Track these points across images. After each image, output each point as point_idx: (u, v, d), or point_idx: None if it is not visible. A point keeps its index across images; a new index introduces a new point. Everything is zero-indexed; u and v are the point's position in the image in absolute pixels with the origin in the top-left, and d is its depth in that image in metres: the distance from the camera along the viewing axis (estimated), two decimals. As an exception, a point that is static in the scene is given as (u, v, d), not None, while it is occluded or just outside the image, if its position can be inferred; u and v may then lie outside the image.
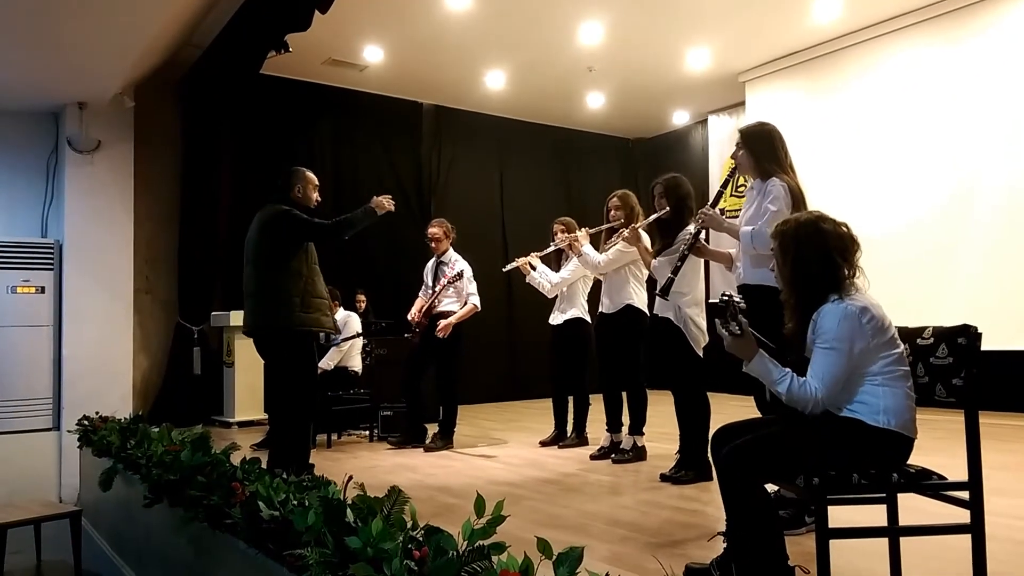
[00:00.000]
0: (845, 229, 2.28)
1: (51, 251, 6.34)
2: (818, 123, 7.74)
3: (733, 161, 3.54)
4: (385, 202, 4.22)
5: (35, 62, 5.48)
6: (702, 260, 4.16)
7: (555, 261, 5.62)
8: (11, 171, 6.57)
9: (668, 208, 4.16)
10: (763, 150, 3.32)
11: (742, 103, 8.62)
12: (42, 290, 6.27)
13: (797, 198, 3.19)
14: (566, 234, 5.42)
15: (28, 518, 4.26)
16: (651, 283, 4.58)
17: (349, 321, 6.30)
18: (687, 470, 4.12)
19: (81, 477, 5.89)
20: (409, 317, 5.76)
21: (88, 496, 5.51)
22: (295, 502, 2.52)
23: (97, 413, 5.42)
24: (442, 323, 5.56)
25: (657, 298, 4.19)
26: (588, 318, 5.50)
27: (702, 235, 3.84)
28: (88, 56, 5.41)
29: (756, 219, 3.23)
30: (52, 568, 4.44)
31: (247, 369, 6.62)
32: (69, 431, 5.63)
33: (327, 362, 6.11)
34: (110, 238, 6.51)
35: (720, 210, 3.63)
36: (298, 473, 3.05)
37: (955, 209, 6.67)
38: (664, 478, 4.15)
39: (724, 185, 3.68)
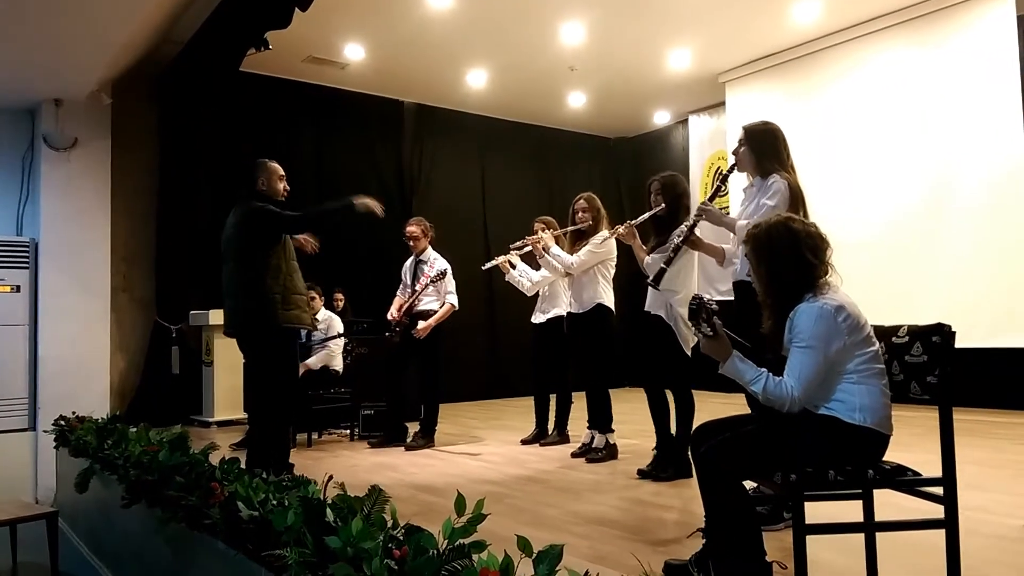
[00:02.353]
0: (814, 228, 2.32)
1: (27, 249, 6.26)
2: (797, 124, 7.80)
3: (732, 157, 3.54)
4: (371, 203, 4.14)
5: (10, 58, 5.40)
6: (696, 260, 4.18)
7: (535, 259, 5.63)
8: (-15, 168, 6.48)
9: (663, 205, 4.17)
10: (766, 148, 3.34)
11: (722, 103, 8.67)
12: (17, 289, 6.19)
13: (797, 197, 3.21)
14: (546, 232, 5.43)
15: (4, 519, 4.20)
16: (632, 280, 4.60)
17: (331, 322, 6.28)
18: (667, 467, 4.14)
19: (58, 478, 5.82)
20: (389, 316, 5.75)
21: (65, 497, 5.45)
22: (274, 502, 2.51)
23: (74, 413, 5.35)
24: (421, 325, 5.55)
25: (648, 295, 4.20)
26: None
27: (697, 229, 3.87)
28: (64, 52, 5.34)
29: (755, 215, 3.24)
30: (28, 570, 4.38)
31: (226, 368, 6.57)
32: (45, 431, 5.57)
33: (315, 362, 6.08)
34: (87, 236, 6.44)
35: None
36: (278, 473, 3.04)
37: (931, 210, 6.75)
38: (642, 474, 4.18)
39: (723, 180, 3.67)
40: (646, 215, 4.25)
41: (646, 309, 4.26)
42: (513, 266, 5.58)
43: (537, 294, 5.65)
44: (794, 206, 3.14)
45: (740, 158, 3.45)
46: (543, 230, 5.45)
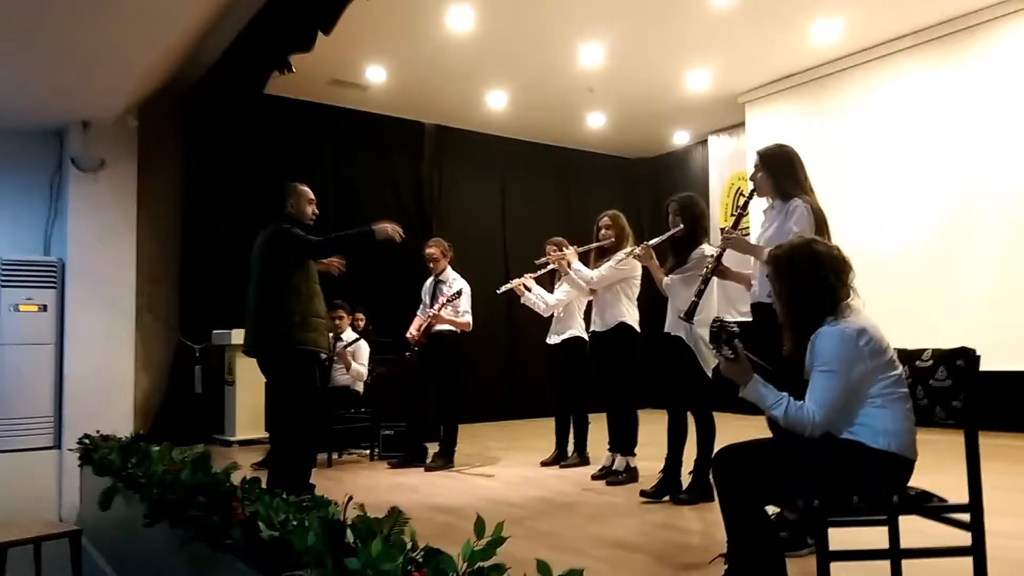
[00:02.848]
0: (837, 251, 2.31)
1: (54, 269, 6.36)
2: (818, 144, 7.77)
3: (751, 183, 3.53)
4: (390, 229, 4.20)
5: (39, 82, 5.52)
6: (715, 281, 4.17)
7: (549, 282, 5.64)
8: (15, 189, 6.60)
9: (681, 226, 4.17)
10: (782, 171, 3.33)
11: (742, 124, 8.67)
12: (44, 308, 6.28)
13: (820, 219, 3.19)
14: (558, 253, 5.45)
15: (28, 537, 4.24)
16: (654, 300, 4.58)
17: (360, 345, 6.32)
18: (670, 491, 4.12)
19: (82, 496, 5.87)
20: (408, 336, 5.77)
21: (88, 515, 5.49)
22: (295, 522, 2.52)
23: (98, 431, 5.42)
24: (439, 314, 5.54)
25: (668, 316, 4.20)
26: (586, 336, 5.51)
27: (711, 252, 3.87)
28: (92, 76, 5.45)
29: (778, 238, 3.22)
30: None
31: (248, 388, 6.62)
32: (70, 449, 5.63)
33: (359, 370, 6.16)
34: (112, 256, 6.53)
35: (722, 229, 3.62)
36: (297, 493, 3.05)
37: (954, 230, 6.68)
38: (644, 495, 4.15)
39: (743, 207, 3.65)
40: (664, 236, 4.26)
41: (666, 330, 4.25)
42: (528, 289, 5.58)
43: (552, 315, 5.65)
44: (818, 229, 3.12)
45: (758, 183, 3.43)
46: (555, 250, 5.47)
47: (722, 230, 3.60)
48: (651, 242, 4.42)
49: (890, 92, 7.26)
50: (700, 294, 3.68)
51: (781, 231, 3.21)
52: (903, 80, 7.17)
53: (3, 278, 6.15)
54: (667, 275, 4.26)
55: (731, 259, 3.65)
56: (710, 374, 4.12)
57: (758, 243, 3.37)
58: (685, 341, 4.10)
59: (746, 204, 3.64)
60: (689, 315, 3.77)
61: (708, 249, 4.16)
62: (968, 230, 6.60)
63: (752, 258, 3.41)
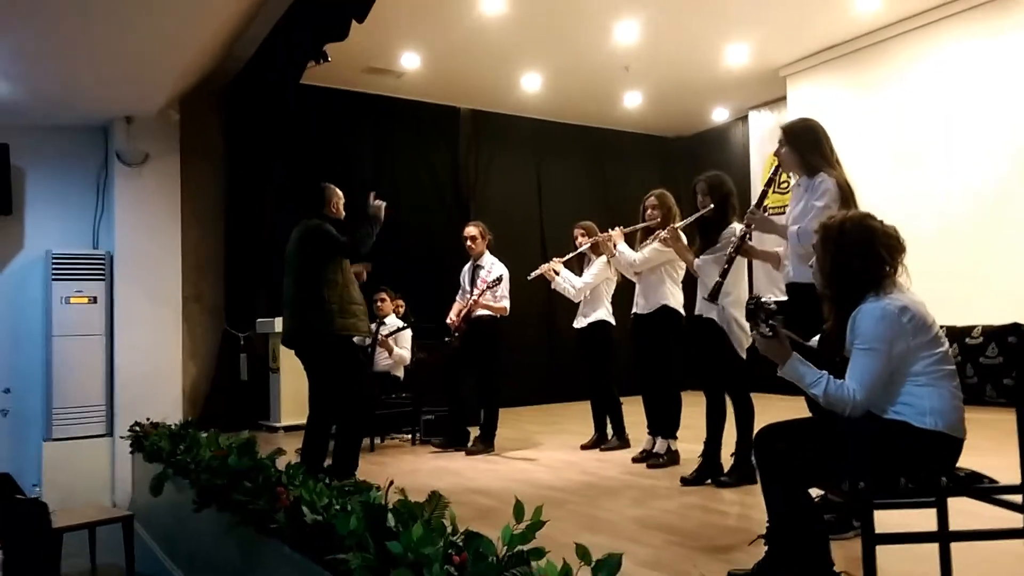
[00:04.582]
0: (893, 231, 2.24)
1: (102, 262, 6.53)
2: (861, 116, 7.58)
3: (776, 158, 3.47)
4: (379, 206, 4.39)
5: (85, 79, 5.64)
6: (746, 260, 4.10)
7: (577, 265, 5.62)
8: (64, 185, 6.77)
9: (711, 206, 4.11)
10: (808, 146, 3.25)
11: (783, 98, 8.47)
12: (94, 300, 6.46)
13: (846, 193, 3.11)
14: (586, 238, 5.42)
15: (82, 522, 4.39)
16: (691, 283, 4.54)
17: (404, 332, 6.38)
18: (710, 475, 4.08)
19: (134, 482, 6.05)
20: (448, 321, 5.80)
21: (140, 500, 5.65)
22: (337, 507, 2.56)
23: (148, 419, 5.57)
24: (483, 297, 5.57)
25: (699, 298, 4.16)
26: (612, 320, 5.49)
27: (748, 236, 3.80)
28: (135, 72, 5.56)
29: (803, 216, 3.16)
30: (106, 572, 4.56)
31: (292, 375, 6.71)
32: (122, 437, 5.80)
33: (403, 355, 6.26)
34: (159, 248, 6.68)
35: (764, 208, 3.56)
36: (340, 478, 3.11)
37: (1005, 201, 6.45)
38: (684, 482, 4.12)
39: (767, 184, 3.60)
40: (693, 216, 4.21)
41: (697, 312, 4.20)
42: (557, 273, 5.57)
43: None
44: (845, 204, 3.04)
45: (783, 159, 3.36)
46: (583, 235, 5.45)
47: (747, 210, 3.54)
48: (677, 224, 4.37)
49: (934, 62, 7.03)
50: (724, 274, 3.64)
51: (808, 207, 3.15)
52: (947, 50, 6.93)
53: (54, 272, 6.33)
54: (696, 256, 4.21)
55: (766, 239, 3.58)
56: (744, 355, 4.06)
57: (787, 221, 3.30)
58: (717, 323, 4.05)
59: (770, 181, 3.58)
60: (713, 296, 3.73)
61: (738, 229, 4.10)
62: (1015, 203, 6.37)
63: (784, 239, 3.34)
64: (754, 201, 3.52)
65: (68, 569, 4.33)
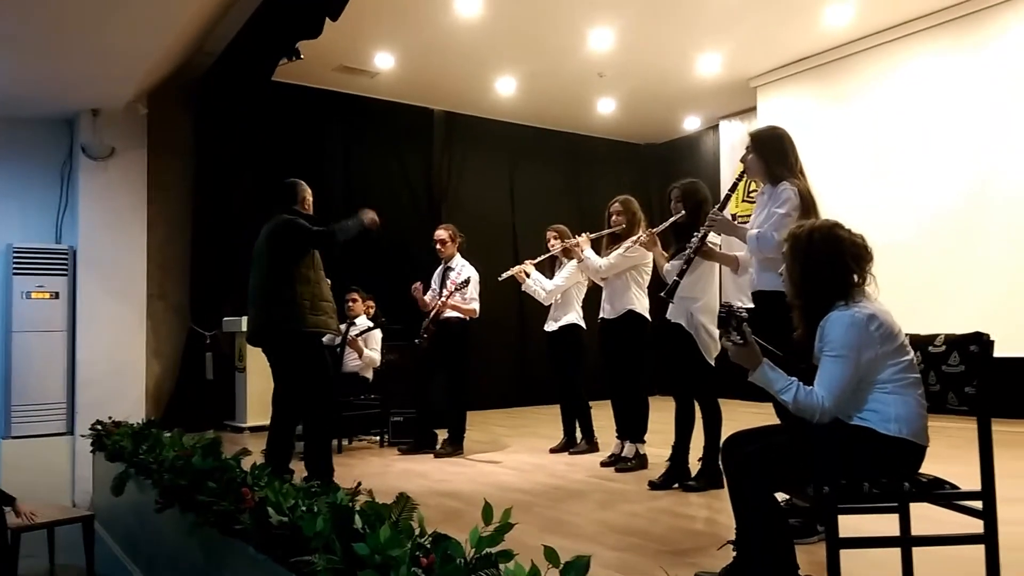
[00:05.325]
0: (860, 240, 2.28)
1: (65, 257, 6.39)
2: (830, 128, 7.71)
3: (743, 165, 3.52)
4: (375, 217, 4.38)
5: (50, 70, 5.53)
6: (716, 267, 4.15)
7: (549, 268, 5.65)
8: (26, 178, 6.62)
9: (683, 212, 4.15)
10: (773, 154, 3.30)
11: (753, 108, 8.60)
12: (56, 295, 6.32)
13: (808, 203, 3.17)
14: (559, 241, 5.45)
15: (40, 522, 4.29)
16: (658, 288, 4.58)
17: (373, 332, 6.34)
18: (676, 480, 4.11)
19: (94, 481, 5.93)
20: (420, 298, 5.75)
21: (101, 500, 5.54)
22: (304, 508, 2.53)
23: (110, 418, 5.46)
24: (446, 314, 5.55)
25: (670, 304, 4.19)
26: (583, 324, 5.51)
27: (716, 240, 3.85)
28: (102, 64, 5.45)
29: (764, 223, 3.22)
30: (65, 572, 4.46)
31: (258, 374, 6.62)
32: (83, 436, 5.68)
33: (372, 356, 6.21)
34: (123, 244, 6.56)
35: (732, 215, 3.61)
36: (325, 480, 3.10)
37: (968, 214, 6.61)
38: (652, 486, 4.14)
39: (732, 188, 3.66)
40: (667, 223, 4.26)
41: (667, 317, 4.24)
42: (528, 275, 5.59)
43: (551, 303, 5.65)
44: (805, 213, 3.10)
45: (748, 165, 3.43)
46: (555, 238, 5.48)
47: (709, 214, 3.59)
48: (655, 229, 4.41)
49: (904, 76, 7.18)
50: (683, 274, 3.69)
51: (769, 216, 3.19)
52: (917, 64, 7.08)
53: (15, 266, 6.19)
54: (667, 261, 4.25)
55: (730, 244, 3.63)
56: (712, 361, 4.11)
57: (749, 230, 3.34)
58: (685, 328, 4.09)
59: (734, 186, 3.65)
60: (669, 293, 3.77)
61: (712, 236, 4.15)
62: (982, 216, 6.52)
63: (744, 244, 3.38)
64: (718, 204, 3.57)
65: (26, 570, 4.23)
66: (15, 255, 6.20)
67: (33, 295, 6.23)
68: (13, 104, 6.21)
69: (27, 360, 6.16)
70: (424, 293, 5.79)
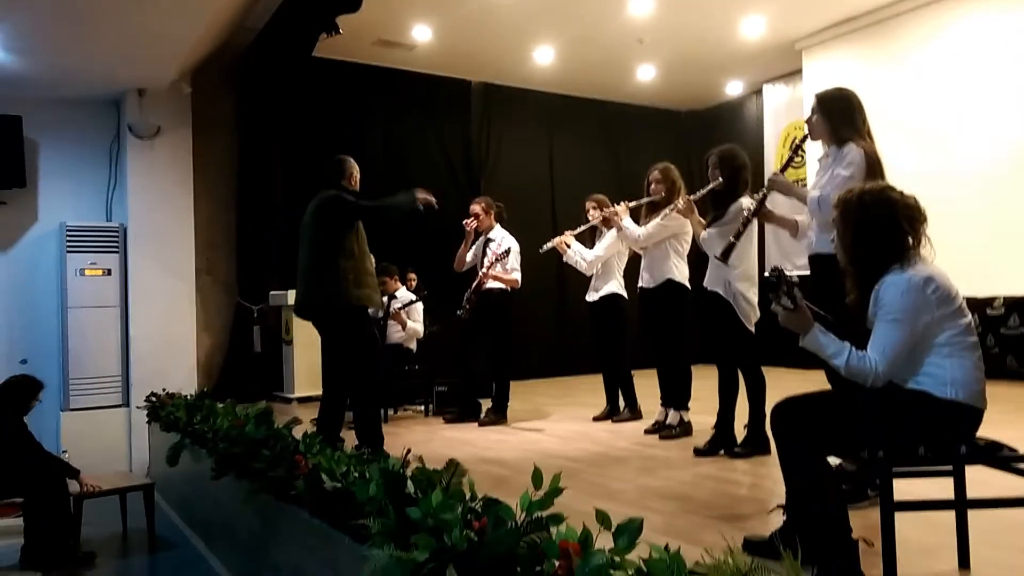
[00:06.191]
0: (912, 200, 2.22)
1: (116, 234, 6.55)
2: (879, 91, 7.45)
3: (806, 126, 3.42)
4: (429, 197, 4.34)
5: (97, 52, 5.63)
6: (755, 233, 4.08)
7: (589, 239, 5.61)
8: (76, 157, 6.78)
9: (720, 179, 4.09)
10: (840, 115, 3.21)
11: (799, 71, 8.38)
12: (109, 272, 6.49)
13: (874, 165, 3.07)
14: (598, 211, 5.41)
15: (113, 488, 4.49)
16: (697, 256, 4.54)
17: (416, 306, 6.40)
18: (722, 446, 4.10)
19: (150, 451, 6.13)
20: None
21: (156, 469, 5.73)
22: (356, 474, 2.59)
23: (164, 390, 5.62)
24: (493, 269, 5.59)
25: (708, 272, 4.16)
26: (624, 293, 5.48)
27: (767, 202, 3.77)
28: (147, 44, 5.53)
29: (827, 185, 3.13)
30: (133, 536, 4.65)
31: (305, 346, 6.75)
32: (138, 407, 5.86)
33: (415, 328, 6.29)
34: (171, 221, 6.70)
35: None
36: (376, 448, 3.16)
37: (1022, 174, 6.39)
38: (698, 452, 4.13)
39: (795, 150, 3.55)
40: (704, 190, 4.19)
41: (704, 285, 4.20)
42: (568, 246, 5.57)
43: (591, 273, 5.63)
44: (871, 175, 3.00)
45: (813, 127, 3.32)
46: (594, 208, 5.43)
47: (770, 176, 3.51)
48: (692, 196, 4.36)
49: (953, 35, 6.93)
50: (739, 235, 3.63)
51: (832, 176, 3.11)
52: (967, 23, 6.82)
53: (69, 244, 6.36)
54: (705, 229, 4.19)
55: (786, 206, 3.56)
56: (752, 328, 4.06)
57: (810, 192, 3.27)
58: (723, 296, 4.05)
59: (797, 148, 3.53)
60: (725, 255, 3.71)
61: (746, 202, 4.08)
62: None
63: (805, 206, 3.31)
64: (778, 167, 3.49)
65: (90, 534, 4.41)
66: (68, 233, 6.37)
67: (87, 272, 6.40)
68: (61, 86, 6.34)
69: (82, 335, 6.36)
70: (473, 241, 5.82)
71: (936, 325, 2.09)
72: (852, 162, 3.04)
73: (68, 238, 6.37)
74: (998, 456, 2.08)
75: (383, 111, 8.29)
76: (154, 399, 5.55)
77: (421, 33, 7.46)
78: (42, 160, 6.68)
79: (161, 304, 6.60)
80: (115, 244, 6.53)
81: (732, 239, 3.68)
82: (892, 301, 2.10)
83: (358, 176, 4.54)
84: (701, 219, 4.31)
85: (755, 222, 3.83)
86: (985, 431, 2.17)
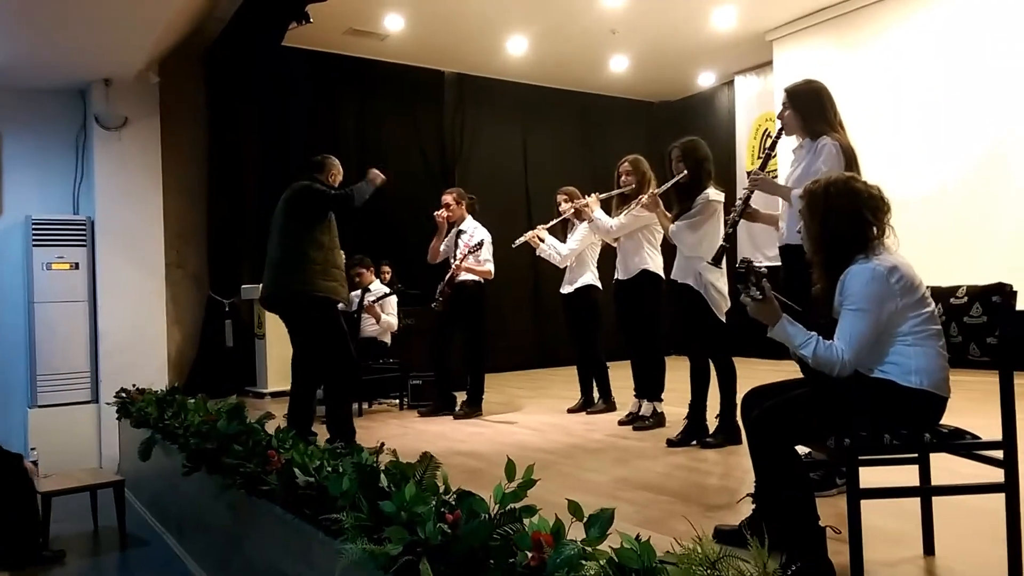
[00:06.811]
0: (876, 191, 2.26)
1: (83, 227, 6.44)
2: (849, 81, 7.55)
3: (778, 122, 3.45)
4: (378, 172, 4.44)
5: (62, 40, 5.51)
6: (720, 225, 4.12)
7: (562, 231, 5.62)
8: (42, 149, 6.64)
9: (686, 172, 4.12)
10: (811, 109, 3.24)
11: (769, 63, 8.44)
12: (76, 266, 6.38)
13: (850, 157, 3.10)
14: (569, 203, 5.42)
15: (82, 485, 4.43)
16: (667, 248, 4.57)
17: (390, 299, 6.37)
18: (695, 437, 4.14)
19: (120, 448, 6.05)
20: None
21: (127, 466, 5.66)
22: (329, 469, 2.58)
23: (134, 386, 5.54)
24: (461, 277, 5.57)
25: (676, 264, 4.19)
26: (599, 284, 5.51)
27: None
28: (112, 33, 5.43)
29: (805, 179, 3.14)
30: (104, 534, 4.59)
31: (278, 341, 6.68)
32: (107, 403, 5.78)
33: (389, 321, 6.28)
34: (140, 213, 6.59)
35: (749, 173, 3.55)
36: (348, 442, 3.15)
37: (991, 165, 6.50)
38: (670, 443, 4.17)
39: (771, 148, 3.58)
40: (668, 183, 4.23)
41: (672, 277, 4.24)
42: (542, 240, 5.57)
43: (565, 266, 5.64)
44: (848, 167, 3.04)
45: (786, 121, 3.35)
46: (566, 200, 5.44)
47: (749, 173, 3.53)
48: (657, 191, 4.39)
49: (923, 25, 7.02)
50: (728, 238, 3.63)
51: (809, 171, 3.13)
52: (936, 12, 6.91)
53: (35, 237, 6.24)
54: (672, 222, 4.23)
55: (760, 201, 3.59)
56: (723, 319, 4.11)
57: (786, 183, 3.30)
58: (694, 287, 4.09)
59: (773, 144, 3.55)
60: (716, 260, 3.73)
61: (713, 194, 4.13)
62: (1005, 166, 6.41)
63: (780, 200, 3.34)
64: (758, 165, 3.51)
65: (59, 532, 4.35)
66: (34, 226, 6.25)
67: (53, 266, 6.29)
68: (26, 75, 6.20)
69: (50, 331, 6.25)
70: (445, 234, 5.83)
71: (900, 314, 2.12)
72: (829, 155, 3.08)
73: (34, 232, 6.24)
74: (962, 443, 2.12)
75: (356, 102, 8.23)
76: (124, 395, 5.47)
77: (393, 23, 7.41)
78: (6, 152, 6.54)
79: (130, 298, 6.50)
80: (83, 237, 6.42)
81: (723, 243, 3.64)
82: (857, 290, 2.13)
83: (340, 177, 4.53)
84: (667, 212, 4.34)
85: (721, 210, 3.86)
86: (949, 419, 2.21)
